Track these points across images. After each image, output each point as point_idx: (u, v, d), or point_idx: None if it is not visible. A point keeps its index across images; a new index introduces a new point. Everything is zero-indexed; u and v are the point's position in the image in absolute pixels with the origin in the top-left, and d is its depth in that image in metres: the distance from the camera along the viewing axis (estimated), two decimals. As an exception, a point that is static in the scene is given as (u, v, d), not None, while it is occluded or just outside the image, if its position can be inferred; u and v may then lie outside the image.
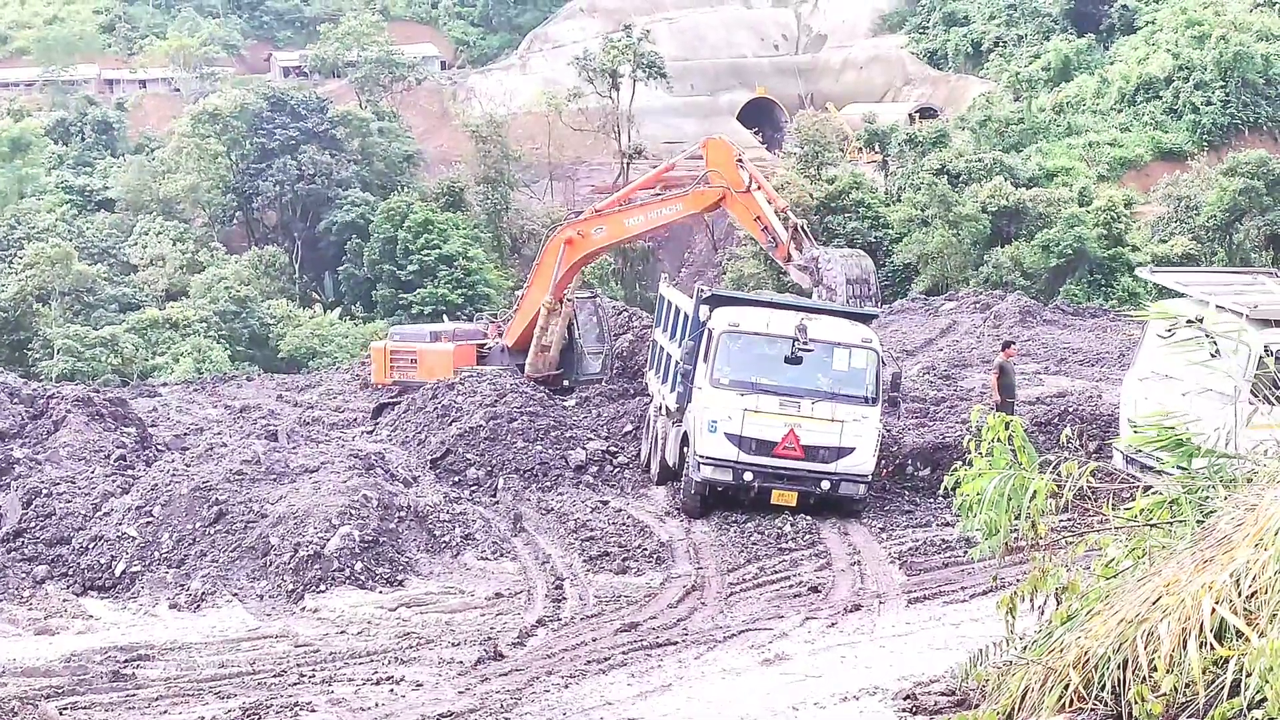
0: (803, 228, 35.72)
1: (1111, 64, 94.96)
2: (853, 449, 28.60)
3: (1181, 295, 28.27)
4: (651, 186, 40.23)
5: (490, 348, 40.37)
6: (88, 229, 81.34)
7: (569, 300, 38.75)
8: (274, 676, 20.43)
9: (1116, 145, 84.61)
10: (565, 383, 38.51)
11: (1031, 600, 12.34)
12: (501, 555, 27.22)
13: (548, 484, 31.51)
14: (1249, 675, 8.96)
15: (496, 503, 30.58)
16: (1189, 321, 26.94)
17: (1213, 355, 26.00)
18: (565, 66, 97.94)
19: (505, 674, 20.19)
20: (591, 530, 28.24)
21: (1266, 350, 25.31)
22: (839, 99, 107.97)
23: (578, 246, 37.90)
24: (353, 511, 26.19)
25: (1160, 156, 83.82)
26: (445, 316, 58.74)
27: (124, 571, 25.62)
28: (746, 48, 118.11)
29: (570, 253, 37.90)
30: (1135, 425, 27.80)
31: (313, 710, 18.78)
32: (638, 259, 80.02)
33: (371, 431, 37.47)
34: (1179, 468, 14.33)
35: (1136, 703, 9.68)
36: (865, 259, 35.80)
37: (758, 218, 35.88)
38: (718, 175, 36.13)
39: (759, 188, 35.93)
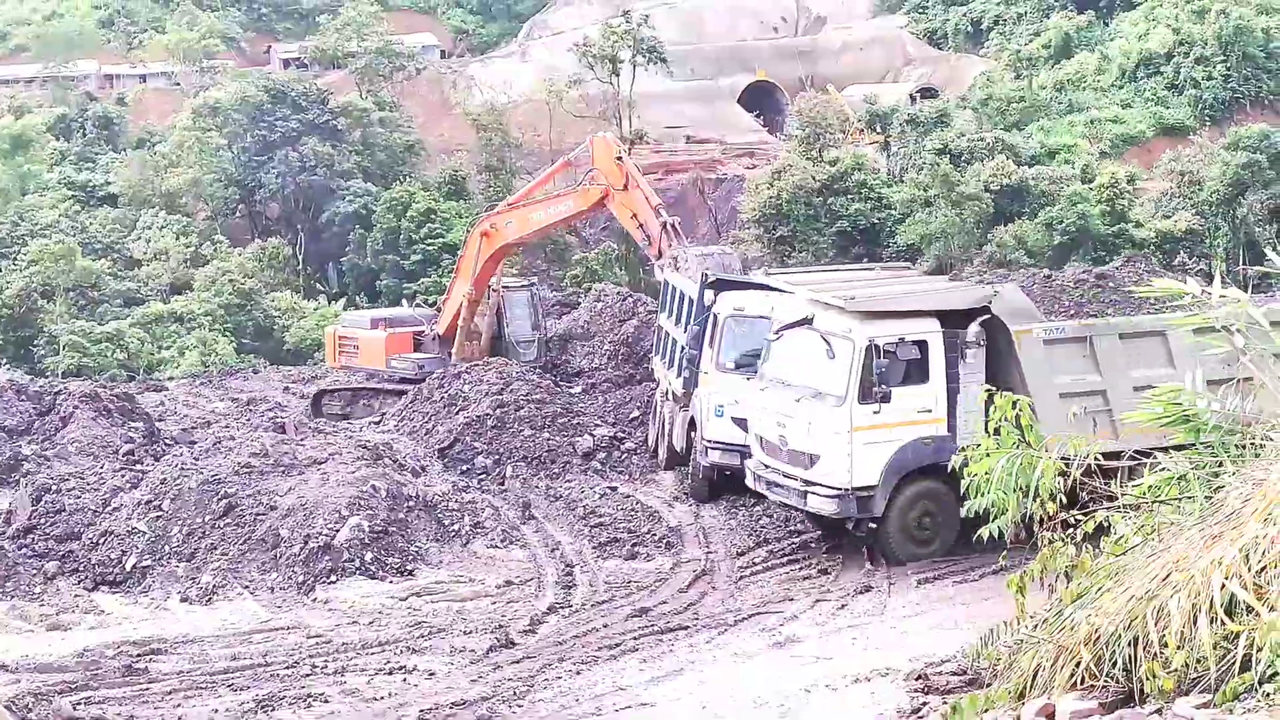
0: (674, 226, 36.60)
1: (1112, 40, 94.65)
2: None
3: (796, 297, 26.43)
4: (551, 180, 41.67)
5: (425, 335, 40.97)
6: (91, 224, 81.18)
7: (495, 290, 39.52)
8: (286, 668, 20.50)
9: (1118, 122, 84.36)
10: None
11: (1041, 579, 12.36)
12: (511, 543, 27.28)
13: (556, 471, 31.56)
14: (1260, 650, 8.98)
15: (505, 491, 30.63)
16: (799, 322, 25.29)
17: (828, 356, 24.42)
18: (565, 53, 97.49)
19: (517, 661, 20.26)
20: (600, 516, 28.29)
21: (871, 345, 24.02)
22: (839, 81, 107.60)
23: (493, 239, 38.96)
24: (361, 502, 26.24)
25: (1162, 132, 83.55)
26: (405, 301, 58.60)
27: (135, 566, 25.68)
28: (746, 31, 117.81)
29: (487, 244, 38.97)
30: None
31: (326, 701, 18.86)
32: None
33: (379, 422, 37.52)
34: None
35: (1148, 679, 9.71)
36: (729, 257, 36.10)
37: (634, 215, 36.85)
38: (599, 174, 36.96)
39: (636, 186, 36.70)
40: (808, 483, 24.49)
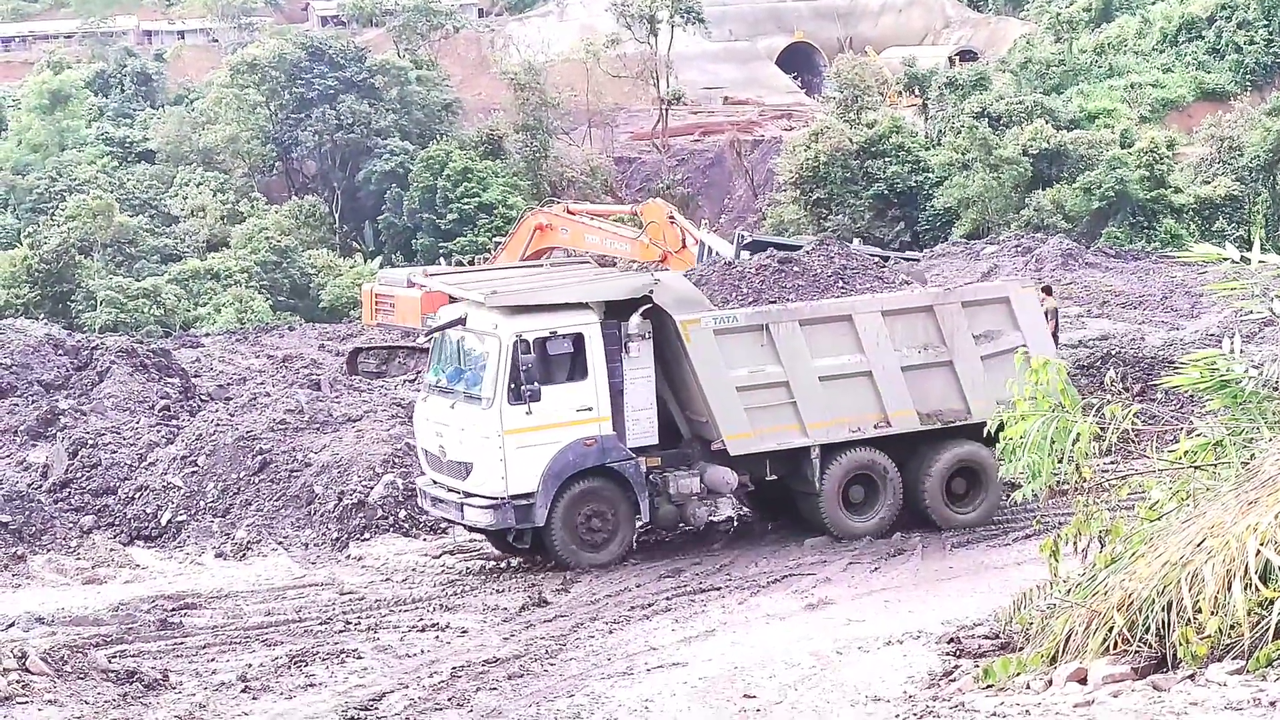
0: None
1: (1153, 3, 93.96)
2: None
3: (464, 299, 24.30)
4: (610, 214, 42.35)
5: None
6: (128, 180, 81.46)
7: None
8: (320, 624, 20.59)
9: (1158, 86, 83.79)
10: None
11: (1075, 543, 12.35)
12: (544, 502, 27.26)
13: (590, 431, 31.50)
14: (1294, 616, 8.96)
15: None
16: (452, 322, 23.60)
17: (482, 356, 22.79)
18: (603, 12, 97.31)
19: (550, 620, 20.30)
20: (634, 476, 28.23)
21: (518, 340, 22.26)
22: (878, 43, 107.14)
23: (546, 236, 39.27)
24: (396, 459, 26.31)
25: (1203, 97, 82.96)
26: (441, 259, 58.54)
27: (170, 521, 25.80)
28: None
29: (539, 238, 39.36)
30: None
31: (359, 657, 18.94)
32: (678, 205, 79.88)
33: (414, 380, 37.56)
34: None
35: (1181, 644, 9.69)
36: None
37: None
38: (657, 231, 37.15)
39: (697, 242, 37.02)
40: (465, 494, 22.91)
